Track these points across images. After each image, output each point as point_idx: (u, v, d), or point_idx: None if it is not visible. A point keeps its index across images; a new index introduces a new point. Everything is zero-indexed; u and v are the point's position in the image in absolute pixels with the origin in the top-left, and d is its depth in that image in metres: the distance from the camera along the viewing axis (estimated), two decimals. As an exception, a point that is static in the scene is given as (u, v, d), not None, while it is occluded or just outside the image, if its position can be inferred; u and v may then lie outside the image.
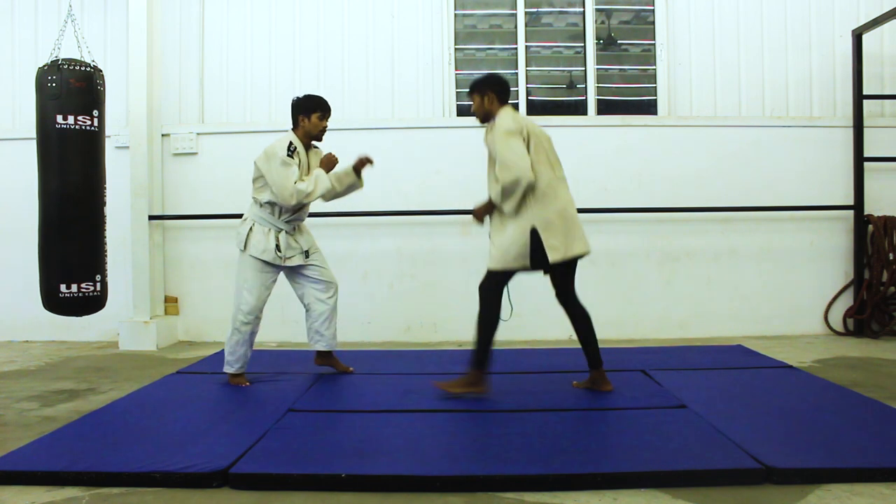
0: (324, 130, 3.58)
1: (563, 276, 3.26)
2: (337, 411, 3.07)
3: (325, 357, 3.78)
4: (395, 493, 2.23)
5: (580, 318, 3.30)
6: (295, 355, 4.37)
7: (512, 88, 5.27)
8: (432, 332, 5.07)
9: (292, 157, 3.40)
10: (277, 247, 3.49)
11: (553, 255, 3.08)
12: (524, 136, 3.10)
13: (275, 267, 3.54)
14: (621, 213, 5.09)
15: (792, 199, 5.09)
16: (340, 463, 2.39)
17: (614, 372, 3.74)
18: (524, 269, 3.18)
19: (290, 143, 3.44)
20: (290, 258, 3.55)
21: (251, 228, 3.52)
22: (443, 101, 5.24)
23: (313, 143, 3.63)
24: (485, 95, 3.26)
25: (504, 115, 3.18)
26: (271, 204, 3.49)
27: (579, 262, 5.13)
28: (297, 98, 3.57)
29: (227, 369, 3.56)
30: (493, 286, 3.20)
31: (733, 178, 5.12)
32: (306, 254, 3.61)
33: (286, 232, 3.54)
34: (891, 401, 3.12)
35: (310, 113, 3.51)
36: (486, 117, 3.28)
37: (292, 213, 3.53)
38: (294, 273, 3.65)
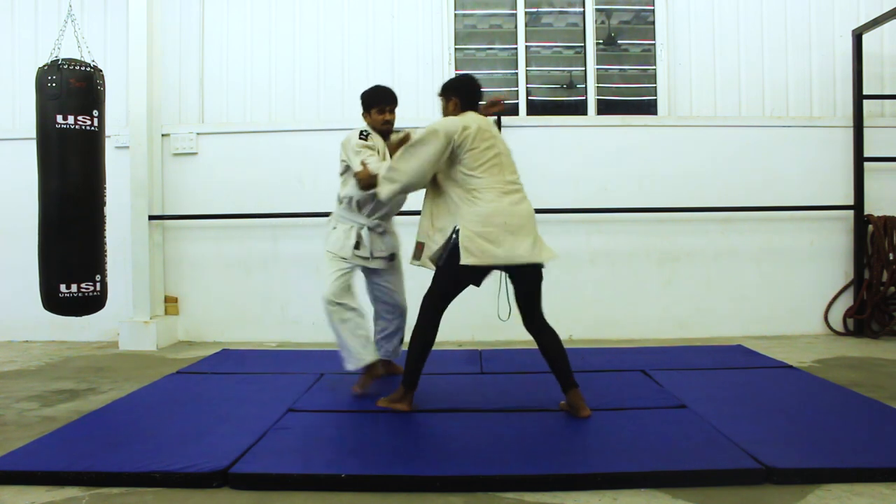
0: (388, 123, 3.38)
1: (523, 296, 3.02)
2: (337, 411, 3.07)
3: (385, 365, 3.60)
4: (395, 493, 2.23)
5: (549, 338, 3.00)
6: (295, 355, 4.37)
7: (512, 88, 5.31)
8: (432, 332, 5.06)
9: (366, 140, 3.28)
10: (357, 244, 3.32)
11: (465, 258, 2.82)
12: (454, 142, 2.89)
13: (350, 262, 3.34)
14: (621, 213, 5.08)
15: (792, 199, 5.09)
16: (340, 463, 2.39)
17: (614, 372, 3.74)
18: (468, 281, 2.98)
19: (363, 131, 3.34)
20: (369, 259, 3.36)
21: (335, 227, 3.40)
22: (443, 101, 5.24)
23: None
24: (450, 100, 3.14)
25: (447, 119, 3.03)
26: (350, 198, 3.34)
27: (579, 263, 5.13)
28: (362, 93, 3.46)
29: (349, 366, 3.31)
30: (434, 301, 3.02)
31: (733, 178, 5.12)
32: (391, 257, 3.46)
33: (369, 228, 3.36)
34: (891, 401, 3.13)
35: (369, 109, 3.40)
36: None
37: (373, 209, 3.35)
38: (370, 276, 3.49)
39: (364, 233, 3.35)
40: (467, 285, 3.03)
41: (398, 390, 3.09)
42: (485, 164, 2.94)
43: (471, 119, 3.01)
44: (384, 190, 2.99)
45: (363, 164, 3.14)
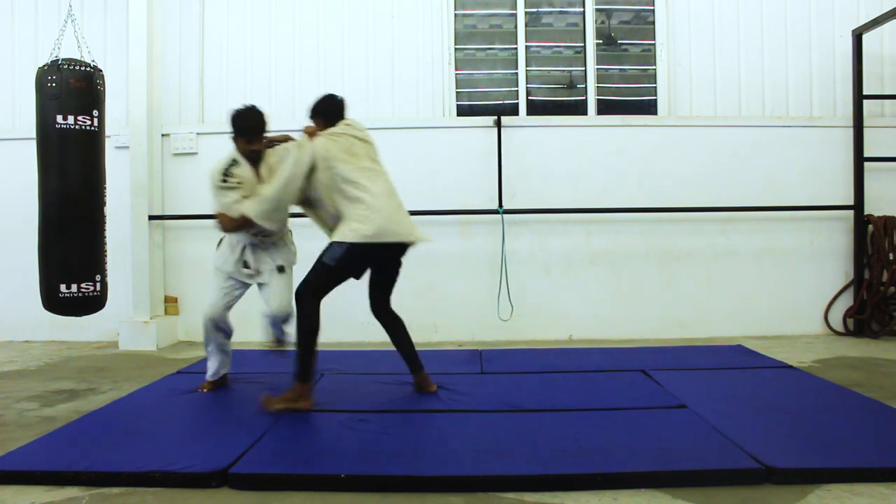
0: (255, 152, 3.21)
1: (387, 281, 3.31)
2: (337, 411, 3.06)
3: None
4: (395, 493, 2.23)
5: (400, 326, 3.35)
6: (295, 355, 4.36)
7: (512, 88, 5.32)
8: (432, 332, 5.07)
9: (226, 181, 3.18)
10: (245, 263, 3.32)
11: (343, 237, 3.00)
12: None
13: (234, 278, 3.37)
14: (621, 213, 5.08)
15: (792, 199, 5.09)
16: (340, 463, 2.39)
17: (614, 372, 3.74)
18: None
19: (226, 169, 3.20)
20: (254, 275, 3.34)
21: (221, 240, 3.40)
22: (443, 101, 5.24)
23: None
24: (315, 121, 3.24)
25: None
26: None
27: (579, 263, 5.13)
28: (231, 115, 3.22)
29: (207, 376, 3.53)
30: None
31: (733, 178, 5.12)
32: (279, 269, 3.34)
33: (252, 245, 3.31)
34: (891, 401, 3.12)
35: (238, 137, 3.21)
36: None
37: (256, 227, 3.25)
38: (261, 285, 3.40)
39: (248, 250, 3.32)
40: (347, 277, 3.11)
41: (293, 388, 3.00)
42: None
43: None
44: (252, 210, 3.06)
45: (222, 212, 3.15)
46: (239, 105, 3.25)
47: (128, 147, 5.03)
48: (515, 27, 5.30)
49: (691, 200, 5.08)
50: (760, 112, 5.20)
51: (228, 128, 3.25)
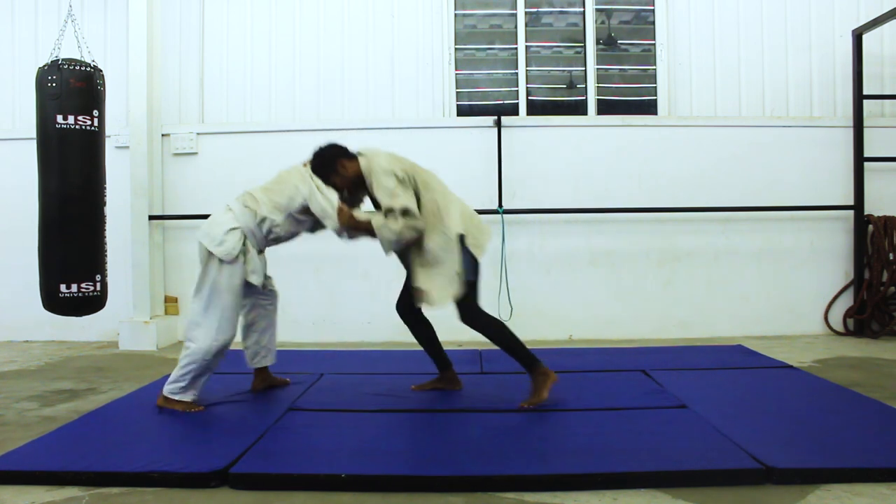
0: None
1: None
2: (337, 411, 3.06)
3: (264, 375, 3.42)
4: (395, 493, 2.23)
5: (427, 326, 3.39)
6: (295, 355, 4.37)
7: (512, 88, 5.32)
8: (432, 332, 5.07)
9: None
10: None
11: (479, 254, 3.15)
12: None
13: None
14: (621, 213, 5.08)
15: (792, 199, 5.09)
16: (340, 463, 2.38)
17: (614, 372, 3.75)
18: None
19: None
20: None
21: (245, 245, 3.01)
22: (443, 101, 5.24)
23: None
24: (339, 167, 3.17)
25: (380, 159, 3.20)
26: (275, 225, 3.12)
27: (579, 263, 5.12)
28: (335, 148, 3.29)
29: (177, 395, 3.03)
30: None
31: (733, 178, 5.12)
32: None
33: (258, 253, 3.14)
34: (891, 401, 3.12)
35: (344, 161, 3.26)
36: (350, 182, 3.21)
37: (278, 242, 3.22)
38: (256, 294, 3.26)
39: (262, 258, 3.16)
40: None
41: (534, 380, 3.06)
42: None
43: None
44: (407, 235, 3.06)
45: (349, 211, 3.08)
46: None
47: (128, 147, 5.03)
48: (515, 27, 5.31)
49: (691, 200, 5.09)
50: (760, 112, 5.20)
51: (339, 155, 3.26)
